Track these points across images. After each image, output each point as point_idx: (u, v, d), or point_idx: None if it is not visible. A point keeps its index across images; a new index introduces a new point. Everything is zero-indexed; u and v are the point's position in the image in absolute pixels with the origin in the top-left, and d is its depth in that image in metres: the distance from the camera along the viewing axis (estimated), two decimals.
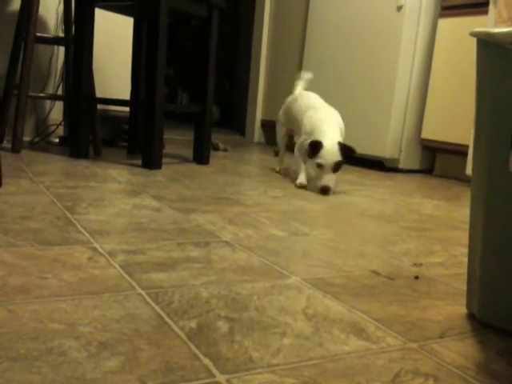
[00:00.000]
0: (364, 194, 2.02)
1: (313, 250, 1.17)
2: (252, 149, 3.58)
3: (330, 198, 1.86)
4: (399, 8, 2.76)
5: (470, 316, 0.85)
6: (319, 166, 1.91)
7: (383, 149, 2.85)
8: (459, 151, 2.65)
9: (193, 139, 2.50)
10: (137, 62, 2.56)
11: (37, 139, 2.68)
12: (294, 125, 2.22)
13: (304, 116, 2.09)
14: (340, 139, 1.96)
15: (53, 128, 2.77)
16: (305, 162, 2.06)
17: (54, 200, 1.40)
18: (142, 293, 0.82)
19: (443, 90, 2.75)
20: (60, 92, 2.80)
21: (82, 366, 0.58)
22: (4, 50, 2.62)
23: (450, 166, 2.89)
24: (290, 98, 2.30)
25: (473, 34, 0.77)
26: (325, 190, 1.92)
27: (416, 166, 2.95)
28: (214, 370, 0.60)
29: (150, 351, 0.63)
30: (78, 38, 2.24)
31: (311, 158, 1.93)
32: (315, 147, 1.90)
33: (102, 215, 1.29)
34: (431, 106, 2.81)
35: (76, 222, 1.20)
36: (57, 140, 2.70)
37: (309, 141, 1.93)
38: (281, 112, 2.36)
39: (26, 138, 2.67)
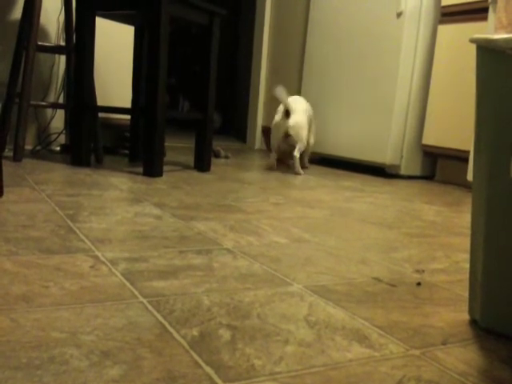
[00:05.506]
0: (365, 201, 2.02)
1: (314, 256, 1.16)
2: (253, 156, 3.58)
3: (332, 205, 1.86)
4: (399, 14, 2.77)
5: (473, 322, 0.85)
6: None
7: (384, 155, 2.85)
8: (460, 157, 2.65)
9: (194, 146, 2.51)
10: (138, 70, 2.58)
11: (38, 147, 2.69)
12: None
13: None
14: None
15: (54, 136, 2.78)
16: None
17: (56, 208, 1.41)
18: (144, 301, 0.82)
19: (444, 95, 2.75)
20: (61, 100, 2.81)
21: (84, 375, 0.58)
22: (5, 59, 2.63)
23: (451, 171, 2.89)
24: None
25: (472, 41, 0.78)
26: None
27: (417, 172, 2.95)
28: (216, 379, 0.60)
29: (152, 360, 0.63)
30: (79, 46, 2.25)
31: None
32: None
33: (103, 223, 1.29)
34: (432, 111, 2.81)
35: (78, 231, 1.20)
36: (58, 148, 2.71)
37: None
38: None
39: (28, 147, 2.68)
